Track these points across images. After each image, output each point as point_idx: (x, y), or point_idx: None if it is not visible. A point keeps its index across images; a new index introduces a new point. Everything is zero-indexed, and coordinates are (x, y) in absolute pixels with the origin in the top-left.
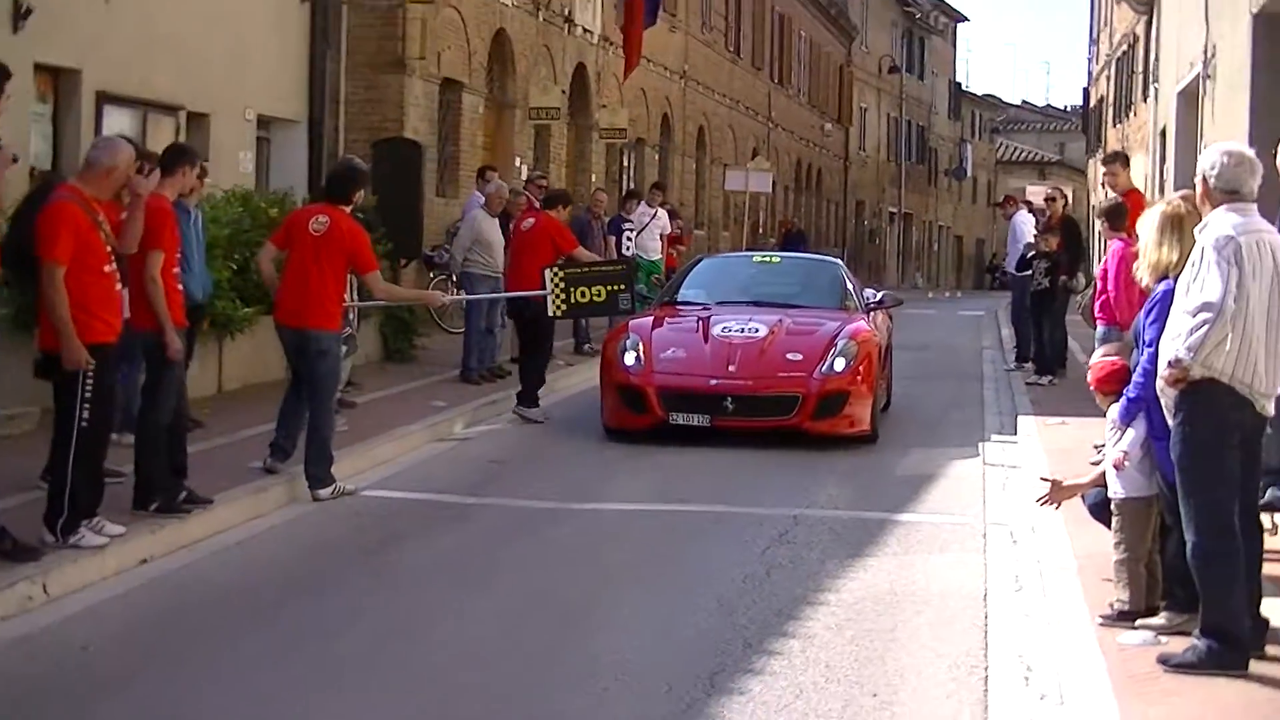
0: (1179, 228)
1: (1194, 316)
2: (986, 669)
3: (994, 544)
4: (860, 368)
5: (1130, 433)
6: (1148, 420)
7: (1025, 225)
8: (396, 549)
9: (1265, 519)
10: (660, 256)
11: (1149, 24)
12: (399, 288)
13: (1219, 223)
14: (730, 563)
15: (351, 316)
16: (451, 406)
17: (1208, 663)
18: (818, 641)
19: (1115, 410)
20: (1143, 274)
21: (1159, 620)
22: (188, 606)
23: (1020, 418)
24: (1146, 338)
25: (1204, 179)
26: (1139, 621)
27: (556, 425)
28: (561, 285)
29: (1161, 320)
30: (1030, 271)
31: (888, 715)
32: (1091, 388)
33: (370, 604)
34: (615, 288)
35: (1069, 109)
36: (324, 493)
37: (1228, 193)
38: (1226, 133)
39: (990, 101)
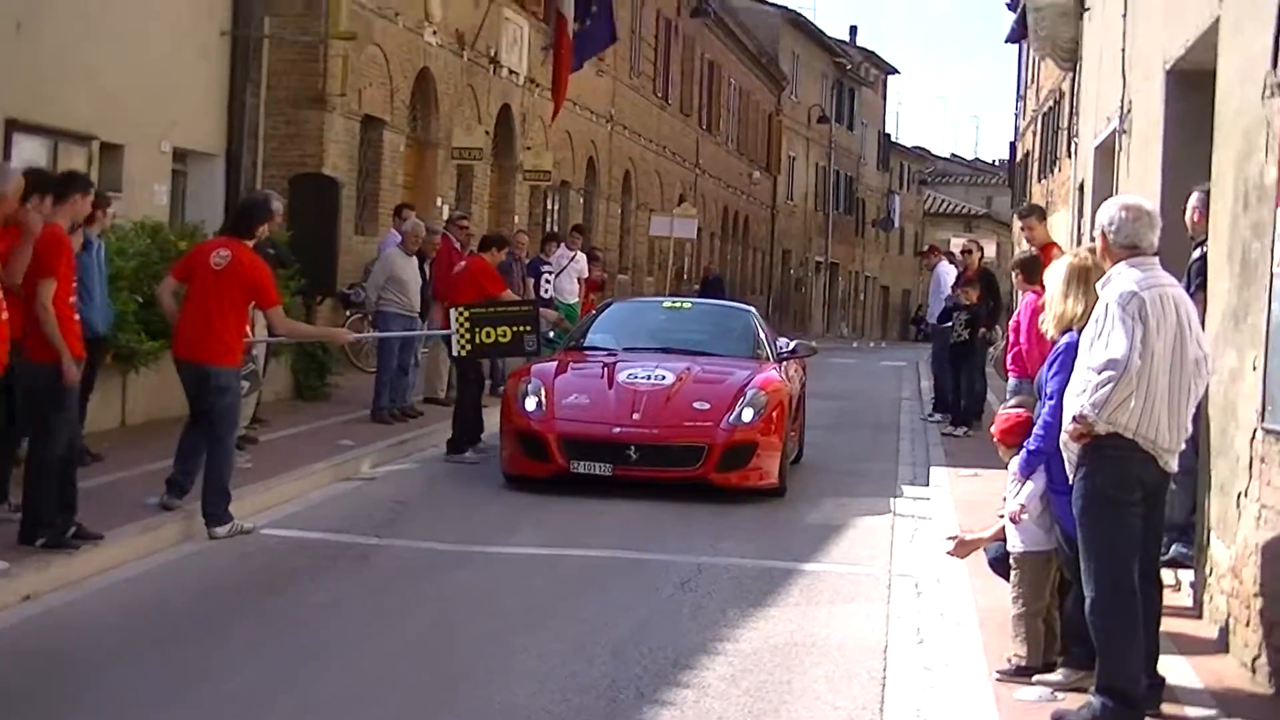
0: (1084, 280)
1: (1099, 373)
2: None
3: (898, 595)
4: (769, 418)
5: (1029, 486)
6: (1048, 474)
7: (947, 276)
8: (289, 590)
9: (1168, 575)
10: (578, 300)
11: (1073, 80)
12: (303, 325)
13: (1121, 278)
14: (628, 610)
15: (255, 353)
16: (360, 445)
17: None
18: (711, 692)
19: (1015, 463)
20: (1048, 326)
21: (1055, 676)
22: (66, 646)
23: (933, 469)
24: (1048, 390)
25: (1103, 234)
26: (1036, 677)
27: (465, 468)
28: (467, 325)
29: (1064, 373)
30: (950, 323)
31: None
32: (995, 440)
33: (257, 647)
34: (521, 329)
35: (997, 163)
36: (221, 531)
37: (1127, 248)
38: (1140, 187)
39: (919, 154)
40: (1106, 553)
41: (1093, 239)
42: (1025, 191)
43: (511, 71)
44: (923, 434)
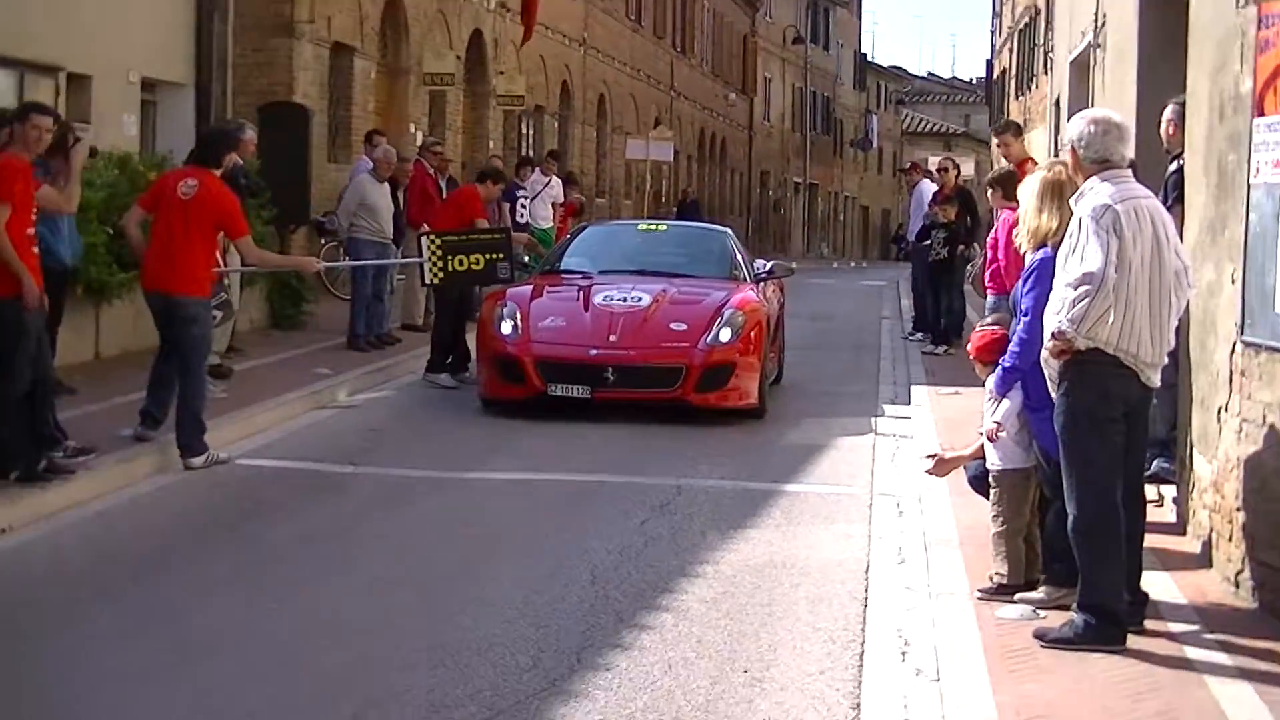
0: (1058, 195)
1: (1075, 288)
2: (863, 644)
3: (879, 515)
4: (748, 338)
5: (1005, 403)
6: (1024, 391)
7: (927, 195)
8: (263, 520)
9: (1150, 491)
10: (552, 225)
11: None
12: (272, 254)
13: (1095, 192)
14: (607, 534)
15: (226, 282)
16: (336, 374)
17: (1084, 638)
18: (691, 615)
19: (992, 380)
20: (1021, 241)
21: (1037, 594)
22: (36, 580)
23: (914, 388)
24: (1023, 306)
25: (1073, 149)
26: (1017, 596)
27: (442, 394)
28: (439, 253)
29: (1038, 288)
30: (929, 241)
31: (757, 691)
32: (970, 357)
33: (229, 577)
34: (494, 256)
35: (974, 81)
36: (196, 461)
37: (1098, 162)
38: (1115, 102)
39: (896, 73)
40: (1089, 470)
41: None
42: (1003, 109)
43: None
44: (903, 353)
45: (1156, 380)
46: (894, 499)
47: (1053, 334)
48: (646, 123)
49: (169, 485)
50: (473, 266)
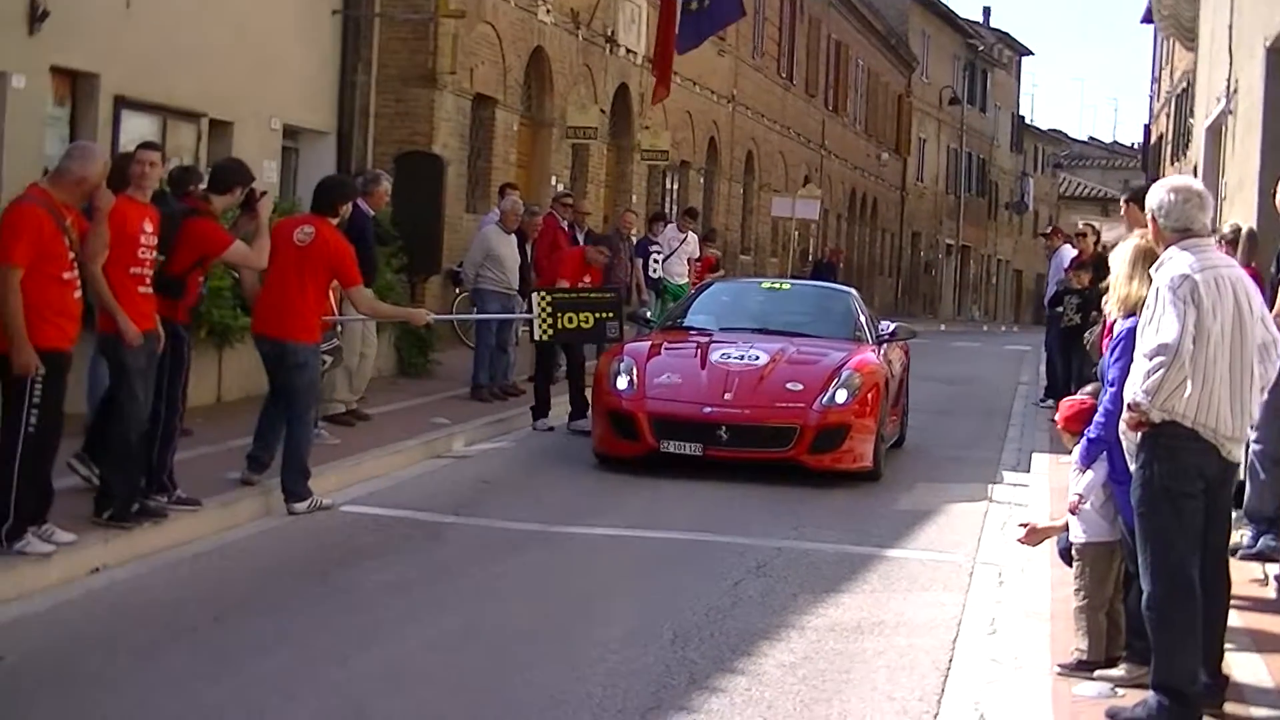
0: (1151, 262)
1: (1150, 359)
2: (936, 715)
3: (979, 584)
4: (864, 400)
5: (1089, 475)
6: (1110, 463)
7: (1067, 259)
8: (356, 568)
9: (1255, 569)
10: (686, 281)
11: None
12: (383, 304)
13: (1174, 262)
14: (697, 594)
15: (339, 329)
16: (454, 423)
17: (1156, 719)
18: (766, 679)
19: (1078, 451)
20: (1112, 308)
21: (1118, 672)
22: (120, 619)
23: (1035, 455)
24: (1110, 377)
25: (1153, 219)
26: (1097, 673)
27: (557, 449)
28: (549, 310)
29: (1125, 358)
30: (1061, 307)
31: None
32: (1059, 427)
33: (310, 623)
34: (604, 315)
35: (1134, 146)
36: (299, 506)
37: (1179, 231)
38: (1242, 170)
39: (1054, 136)
40: (1163, 546)
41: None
42: (1159, 175)
43: (629, 50)
44: (1033, 420)
45: (1238, 455)
46: (996, 568)
47: (1128, 405)
48: (795, 180)
49: (269, 530)
50: (582, 325)
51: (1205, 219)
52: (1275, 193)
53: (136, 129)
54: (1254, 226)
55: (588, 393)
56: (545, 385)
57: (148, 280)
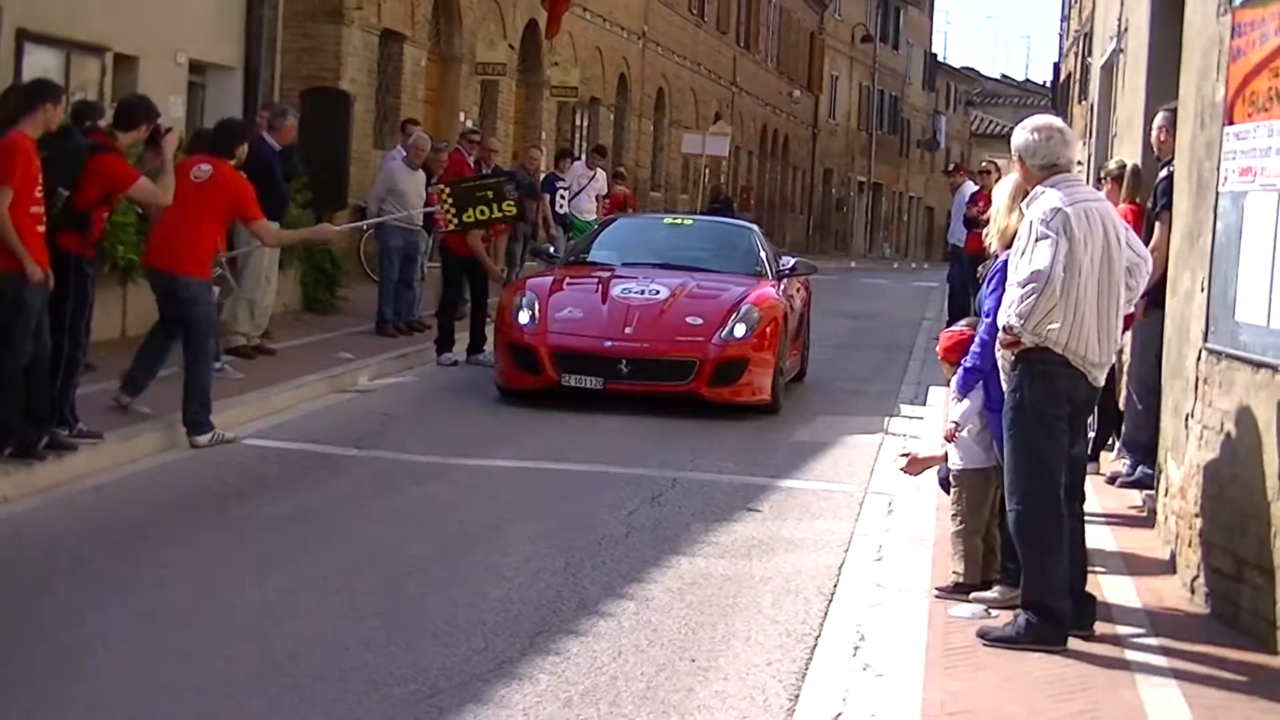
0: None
1: (1023, 286)
2: (818, 637)
3: (868, 513)
4: (763, 334)
5: (965, 403)
6: (986, 392)
7: (970, 195)
8: (256, 499)
9: (1136, 496)
10: (595, 218)
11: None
12: (287, 232)
13: (1045, 197)
14: (592, 524)
15: (223, 258)
16: (359, 358)
17: (1025, 637)
18: (654, 605)
19: (955, 380)
20: (992, 240)
21: (991, 594)
22: (18, 551)
23: (933, 388)
24: (986, 308)
25: (1020, 159)
26: (972, 595)
27: (460, 382)
28: (451, 202)
29: (1001, 289)
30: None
31: (700, 680)
32: (939, 358)
33: (208, 553)
34: (503, 203)
35: (1046, 84)
36: (202, 439)
37: (1046, 168)
38: (1130, 108)
39: (967, 74)
40: (1033, 468)
41: (1102, 160)
42: (1067, 113)
43: None
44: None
45: (1102, 380)
46: (887, 497)
47: (1002, 328)
48: (707, 118)
49: (170, 463)
50: (490, 214)
51: (1070, 154)
52: (1152, 128)
53: (40, 63)
54: (1139, 163)
55: (490, 327)
56: (449, 319)
57: (42, 219)
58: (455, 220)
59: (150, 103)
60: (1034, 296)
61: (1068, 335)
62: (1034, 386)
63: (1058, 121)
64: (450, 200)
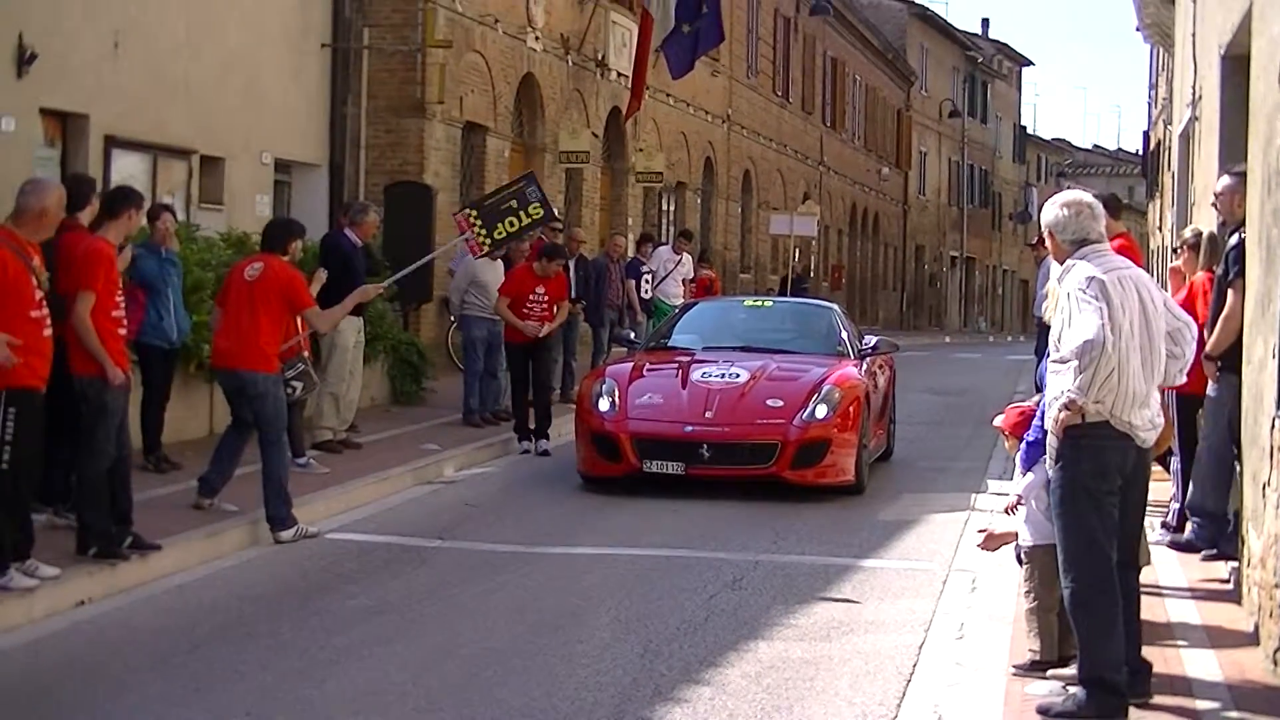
0: None
1: (1076, 359)
2: (895, 718)
3: (951, 591)
4: (845, 414)
5: (1029, 477)
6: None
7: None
8: (337, 593)
9: (1224, 568)
10: (681, 301)
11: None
12: (333, 309)
13: (1079, 268)
14: (671, 609)
15: (305, 354)
16: (444, 449)
17: (1085, 711)
18: (730, 689)
19: (1019, 455)
20: (1049, 314)
21: (1069, 671)
22: (101, 650)
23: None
24: (1048, 381)
25: (1051, 234)
26: (1050, 671)
27: (544, 471)
28: (480, 224)
29: None
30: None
31: None
32: (1004, 433)
33: (286, 648)
34: (527, 208)
35: (1138, 153)
36: (285, 535)
37: (1076, 243)
38: (1207, 175)
39: (1057, 145)
40: (1084, 542)
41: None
42: (1158, 181)
43: (620, 75)
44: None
45: (1150, 441)
46: (971, 575)
47: (1063, 405)
48: (794, 198)
49: (253, 560)
50: (513, 225)
51: (1099, 227)
52: (1216, 194)
53: (127, 167)
54: (1214, 231)
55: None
56: (521, 409)
57: (124, 323)
58: (488, 240)
59: (133, 190)
60: (1091, 367)
61: (1113, 400)
62: (1083, 462)
63: (1087, 196)
64: (479, 222)
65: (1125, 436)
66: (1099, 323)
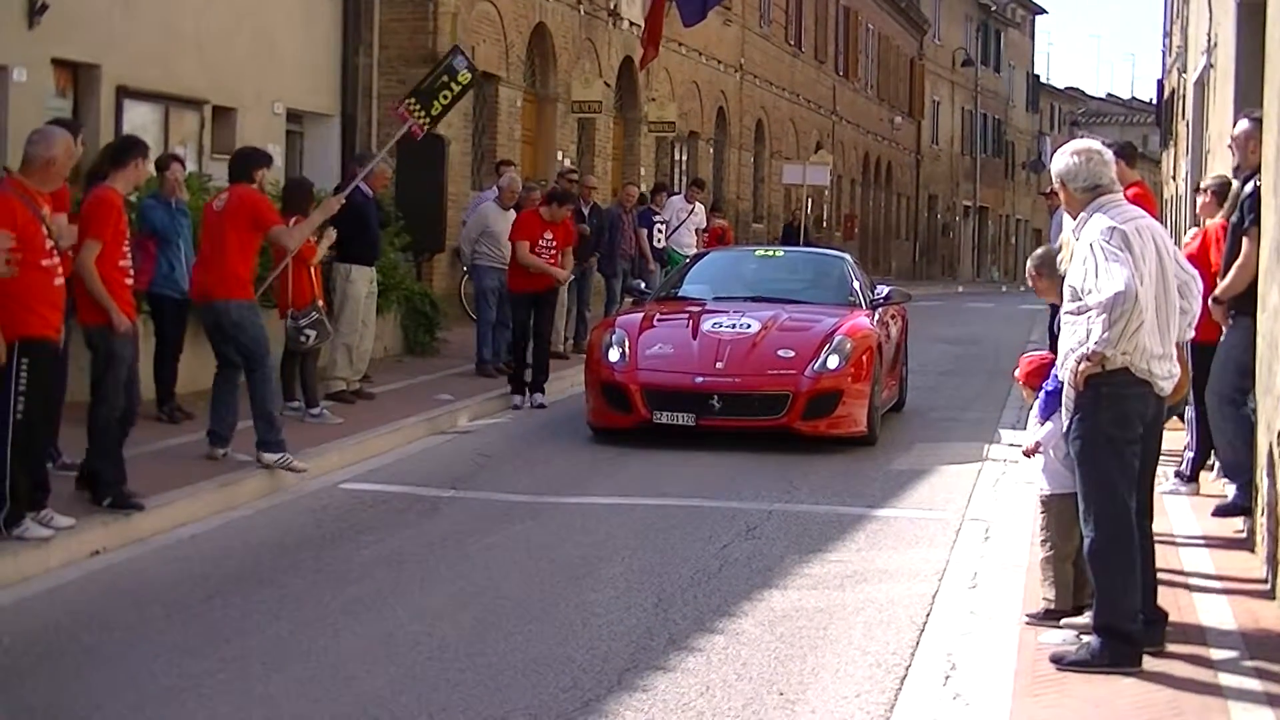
0: None
1: (1107, 311)
2: (909, 667)
3: (964, 540)
4: (858, 364)
5: (1048, 425)
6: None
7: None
8: (351, 542)
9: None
10: (694, 251)
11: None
12: (300, 225)
13: (1097, 219)
14: (685, 558)
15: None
16: (457, 400)
17: (1099, 660)
18: (744, 639)
19: (1037, 405)
20: (1065, 265)
21: (1083, 620)
22: (116, 601)
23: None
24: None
25: (1063, 184)
26: (1063, 620)
27: (557, 421)
28: (419, 109)
29: None
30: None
31: (788, 713)
32: (1019, 382)
33: (301, 597)
34: (458, 76)
35: (1152, 101)
36: (270, 457)
37: (1089, 190)
38: (1222, 122)
39: (1070, 94)
40: (1106, 492)
41: (1199, 176)
42: (1172, 130)
43: (632, 24)
44: None
45: (1169, 389)
46: (985, 524)
47: (1085, 357)
48: (807, 147)
49: (267, 510)
50: (445, 97)
51: (1111, 173)
52: (1233, 137)
53: (139, 118)
54: (1229, 176)
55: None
56: (520, 362)
57: (130, 272)
58: (427, 119)
59: (138, 139)
60: (1123, 319)
61: (1135, 352)
62: (1105, 411)
63: (1096, 143)
64: (418, 107)
65: (1145, 384)
66: (1127, 274)
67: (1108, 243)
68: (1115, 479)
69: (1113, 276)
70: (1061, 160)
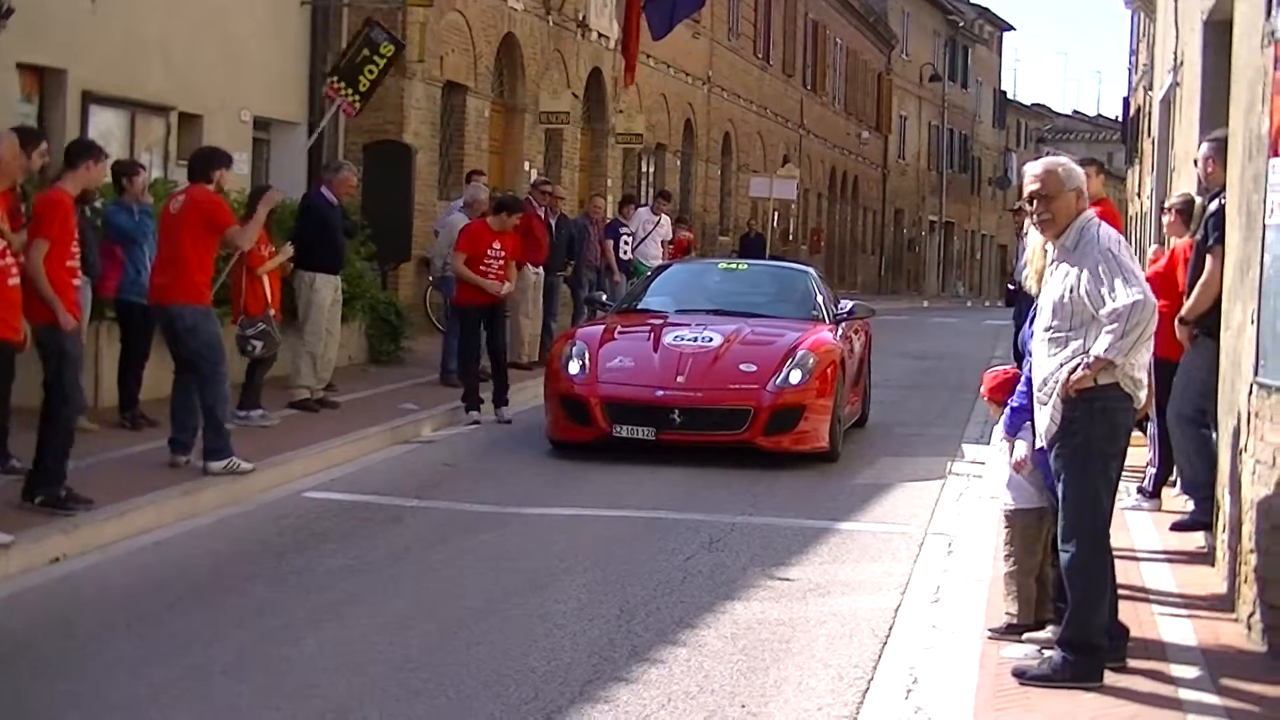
0: None
1: (1127, 321)
2: (870, 681)
3: (928, 554)
4: (822, 378)
5: (1020, 444)
6: (1035, 430)
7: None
8: (313, 552)
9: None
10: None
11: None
12: (250, 224)
13: (1096, 227)
14: (649, 570)
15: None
16: (422, 409)
17: (1062, 675)
18: (706, 651)
19: (1003, 421)
20: (1030, 283)
21: (1045, 634)
22: (76, 608)
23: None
24: (1030, 347)
25: (1078, 193)
26: (1026, 635)
27: (522, 431)
28: (347, 88)
29: None
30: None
31: None
32: (985, 397)
33: (263, 606)
34: (380, 48)
35: (1118, 119)
36: (215, 465)
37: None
38: (1188, 141)
39: (1037, 111)
40: (1092, 507)
41: (1164, 194)
42: (1137, 148)
43: (601, 35)
44: None
45: (1142, 401)
46: (947, 538)
47: (1088, 365)
48: (774, 160)
49: (230, 518)
50: (370, 74)
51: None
52: (1197, 160)
53: (105, 123)
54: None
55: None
56: (471, 377)
57: (78, 273)
58: (357, 97)
59: (92, 142)
60: (1137, 329)
61: (1136, 362)
62: (1099, 425)
63: (1062, 158)
64: (344, 85)
65: (1129, 398)
66: (1142, 285)
67: (1122, 249)
68: (1102, 494)
69: (1130, 285)
70: (1051, 169)
